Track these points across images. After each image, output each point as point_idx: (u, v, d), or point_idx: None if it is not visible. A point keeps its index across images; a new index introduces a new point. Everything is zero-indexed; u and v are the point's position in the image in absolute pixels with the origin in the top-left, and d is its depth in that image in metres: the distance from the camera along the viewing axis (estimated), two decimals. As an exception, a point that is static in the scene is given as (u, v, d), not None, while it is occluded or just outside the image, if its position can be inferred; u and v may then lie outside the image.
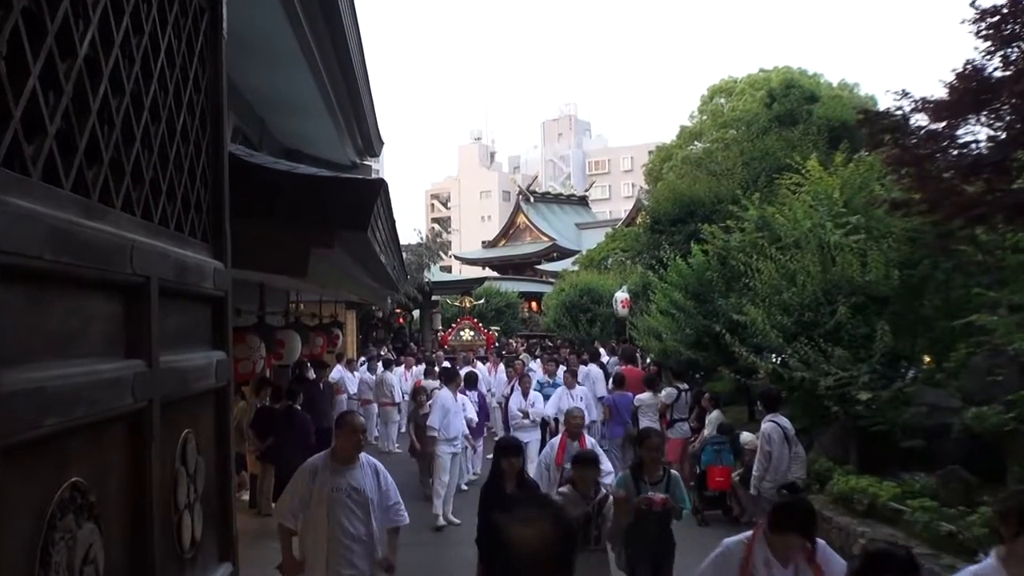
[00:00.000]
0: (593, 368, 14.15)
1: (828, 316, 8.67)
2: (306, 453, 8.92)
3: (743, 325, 9.79)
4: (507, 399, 12.19)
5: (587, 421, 9.97)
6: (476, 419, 10.45)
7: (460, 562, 7.32)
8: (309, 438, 9.09)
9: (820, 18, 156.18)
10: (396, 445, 13.75)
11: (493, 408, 13.31)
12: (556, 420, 10.88)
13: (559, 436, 7.08)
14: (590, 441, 7.09)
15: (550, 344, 22.52)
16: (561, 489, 5.32)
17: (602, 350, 17.84)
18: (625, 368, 12.72)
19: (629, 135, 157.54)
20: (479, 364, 16.13)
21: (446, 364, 13.82)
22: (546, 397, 11.24)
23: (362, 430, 4.95)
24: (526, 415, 10.74)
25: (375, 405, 14.97)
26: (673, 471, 5.53)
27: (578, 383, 11.45)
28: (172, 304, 1.99)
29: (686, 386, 10.84)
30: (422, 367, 15.55)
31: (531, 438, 10.32)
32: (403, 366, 16.24)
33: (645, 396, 10.86)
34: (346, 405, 15.91)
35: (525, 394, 10.89)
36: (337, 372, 15.73)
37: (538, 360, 15.77)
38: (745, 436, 9.00)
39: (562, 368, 12.60)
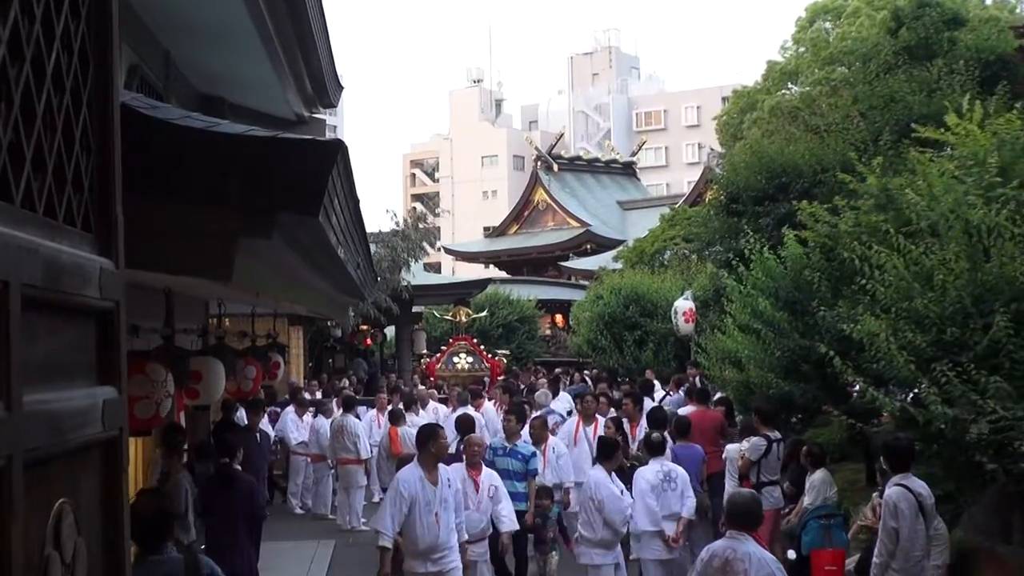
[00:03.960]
0: (645, 404, 14.19)
1: (980, 332, 8.62)
2: (253, 532, 8.94)
3: (858, 345, 9.74)
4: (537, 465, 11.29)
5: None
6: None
7: None
8: (258, 510, 9.06)
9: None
10: (362, 520, 13.72)
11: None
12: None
13: None
14: None
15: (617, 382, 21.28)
16: None
17: (656, 383, 17.86)
18: (694, 411, 12.67)
19: (694, 75, 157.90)
20: (487, 404, 16.07)
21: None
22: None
23: None
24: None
25: (330, 462, 15.00)
26: None
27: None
28: (40, 320, 2.00)
29: (778, 435, 10.80)
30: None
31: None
32: (375, 408, 16.34)
33: (737, 447, 10.85)
34: (291, 461, 16.10)
35: (628, 481, 9.23)
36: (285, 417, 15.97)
37: (566, 394, 15.67)
38: (816, 474, 8.87)
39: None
